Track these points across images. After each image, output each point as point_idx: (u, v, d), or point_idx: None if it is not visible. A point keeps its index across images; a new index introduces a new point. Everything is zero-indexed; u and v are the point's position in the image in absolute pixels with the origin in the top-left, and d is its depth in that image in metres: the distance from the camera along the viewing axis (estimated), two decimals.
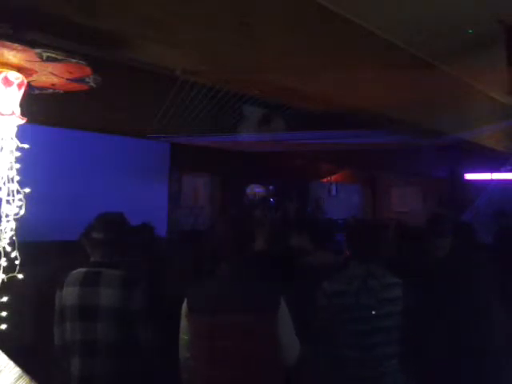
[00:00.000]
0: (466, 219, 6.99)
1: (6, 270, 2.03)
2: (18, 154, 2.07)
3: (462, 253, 2.69)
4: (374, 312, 2.15)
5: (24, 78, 2.11)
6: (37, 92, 2.41)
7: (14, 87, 2.05)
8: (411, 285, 2.25)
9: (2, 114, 2.01)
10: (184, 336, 1.96)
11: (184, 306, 1.96)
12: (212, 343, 1.87)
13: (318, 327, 2.24)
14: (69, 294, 2.17)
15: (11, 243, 2.05)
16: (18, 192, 2.04)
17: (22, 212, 2.04)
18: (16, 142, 2.07)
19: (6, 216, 2.03)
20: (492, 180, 9.52)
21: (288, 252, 3.01)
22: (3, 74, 2.02)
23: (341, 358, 2.18)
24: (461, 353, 2.39)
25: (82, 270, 2.22)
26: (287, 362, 1.95)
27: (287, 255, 2.90)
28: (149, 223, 3.32)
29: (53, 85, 2.35)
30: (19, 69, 2.06)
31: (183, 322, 1.97)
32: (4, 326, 2.02)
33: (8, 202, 2.03)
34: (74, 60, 2.03)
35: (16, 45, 1.84)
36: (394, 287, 2.23)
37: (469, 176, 9.86)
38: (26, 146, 2.07)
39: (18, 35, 1.92)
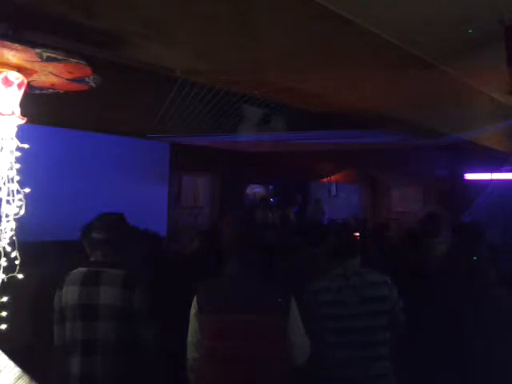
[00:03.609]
0: (466, 219, 6.99)
1: (5, 270, 2.03)
2: (18, 153, 2.07)
3: (461, 253, 2.69)
4: (355, 310, 2.13)
5: (24, 78, 2.11)
6: (37, 92, 2.41)
7: (14, 87, 2.05)
8: (406, 284, 2.23)
9: (2, 114, 2.01)
10: (193, 336, 1.94)
11: (193, 305, 1.94)
12: (222, 343, 1.86)
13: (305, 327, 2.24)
14: (69, 294, 2.16)
15: (11, 243, 2.05)
16: (18, 192, 2.04)
17: (22, 212, 2.04)
18: (16, 142, 2.07)
19: (6, 216, 2.03)
20: (492, 180, 9.52)
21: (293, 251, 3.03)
22: (3, 74, 2.01)
23: (328, 358, 2.15)
24: (457, 355, 2.37)
25: (82, 269, 2.21)
26: (297, 362, 1.94)
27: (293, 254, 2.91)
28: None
29: (53, 85, 2.35)
30: (19, 69, 2.06)
31: (192, 322, 1.94)
32: (4, 326, 2.02)
33: (8, 201, 2.03)
34: (73, 60, 2.03)
35: (16, 45, 1.84)
36: (380, 286, 2.19)
37: (469, 176, 9.86)
38: (26, 145, 2.07)
39: (18, 35, 1.93)
